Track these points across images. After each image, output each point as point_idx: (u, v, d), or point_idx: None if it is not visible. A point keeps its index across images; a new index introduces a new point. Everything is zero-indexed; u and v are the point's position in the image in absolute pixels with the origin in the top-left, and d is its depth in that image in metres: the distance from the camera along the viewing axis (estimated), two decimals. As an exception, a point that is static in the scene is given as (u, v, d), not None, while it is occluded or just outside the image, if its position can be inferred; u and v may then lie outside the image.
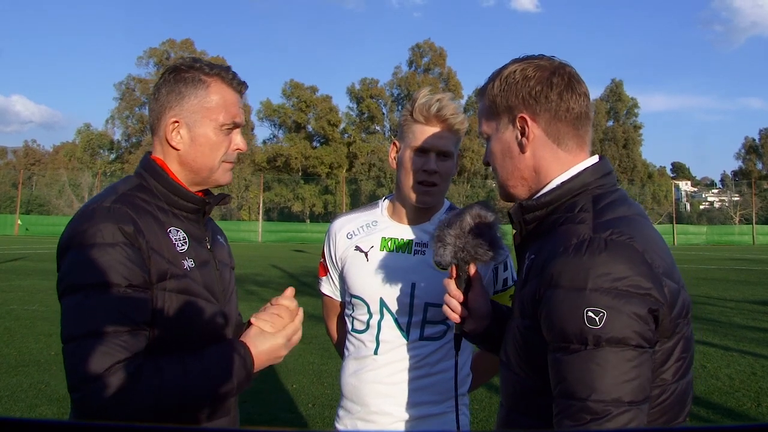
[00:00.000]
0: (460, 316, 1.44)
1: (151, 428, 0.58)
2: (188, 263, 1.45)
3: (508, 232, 1.44)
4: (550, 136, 1.28)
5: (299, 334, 1.51)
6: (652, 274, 1.09)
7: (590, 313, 1.06)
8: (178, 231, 1.48)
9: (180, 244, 1.46)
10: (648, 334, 1.07)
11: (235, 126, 1.53)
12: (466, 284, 1.43)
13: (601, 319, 1.05)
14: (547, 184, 1.29)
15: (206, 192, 1.60)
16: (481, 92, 1.38)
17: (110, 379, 1.25)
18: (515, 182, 1.34)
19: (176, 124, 1.48)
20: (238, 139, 1.55)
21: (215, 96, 1.49)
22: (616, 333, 1.05)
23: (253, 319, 1.50)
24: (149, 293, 1.36)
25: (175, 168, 1.51)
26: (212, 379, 1.37)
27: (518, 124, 1.30)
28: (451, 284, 1.43)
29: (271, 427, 4.32)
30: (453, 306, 1.44)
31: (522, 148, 1.30)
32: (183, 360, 1.36)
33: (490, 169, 1.40)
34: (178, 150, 1.50)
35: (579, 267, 1.09)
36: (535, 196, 1.30)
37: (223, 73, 1.52)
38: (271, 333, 1.47)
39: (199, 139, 1.49)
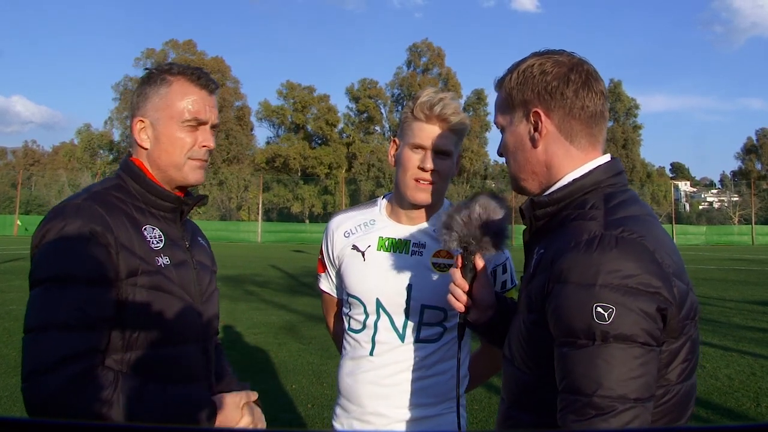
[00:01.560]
0: (464, 306, 1.44)
1: (151, 428, 0.58)
2: (163, 260, 1.46)
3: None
4: (563, 132, 1.28)
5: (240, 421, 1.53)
6: (661, 273, 1.09)
7: (599, 309, 1.06)
8: (153, 229, 1.49)
9: (155, 242, 1.47)
10: (656, 332, 1.07)
11: (199, 123, 1.54)
12: (472, 274, 1.43)
13: (609, 315, 1.05)
14: (559, 180, 1.29)
15: (186, 193, 1.61)
16: (498, 84, 1.38)
17: (58, 373, 1.25)
18: (526, 176, 1.34)
19: (142, 124, 1.52)
20: (203, 137, 1.55)
21: (177, 93, 1.51)
22: (624, 329, 1.05)
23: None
24: (112, 291, 1.36)
25: (149, 167, 1.54)
26: (166, 417, 1.35)
27: (532, 119, 1.30)
28: (457, 273, 1.43)
29: (270, 428, 4.31)
30: (458, 295, 1.44)
31: (534, 143, 1.30)
32: (144, 386, 1.35)
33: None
34: (146, 149, 1.53)
35: (589, 263, 1.09)
36: (547, 192, 1.30)
37: (189, 71, 1.54)
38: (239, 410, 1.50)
39: (162, 137, 1.51)
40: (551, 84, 1.27)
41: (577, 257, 1.11)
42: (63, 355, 1.26)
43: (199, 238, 1.69)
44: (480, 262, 1.42)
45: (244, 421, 1.50)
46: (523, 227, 1.35)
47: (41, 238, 1.37)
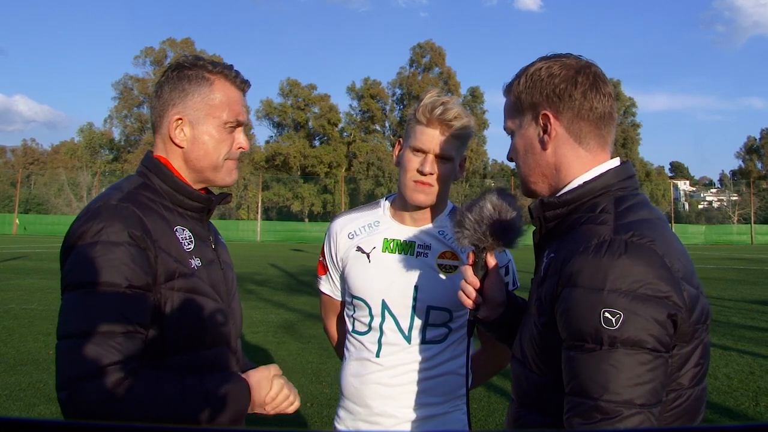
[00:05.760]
0: (474, 303, 1.44)
1: (151, 428, 0.58)
2: (195, 262, 1.44)
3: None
4: (572, 134, 1.29)
5: (279, 403, 1.57)
6: (671, 277, 1.09)
7: (607, 314, 1.06)
8: (183, 230, 1.46)
9: (186, 243, 1.45)
10: (665, 338, 1.07)
11: (238, 124, 1.52)
12: (483, 272, 1.44)
13: (617, 321, 1.05)
14: (568, 182, 1.29)
15: (208, 191, 1.59)
16: (507, 89, 1.38)
17: (100, 382, 1.22)
18: (536, 179, 1.34)
19: (180, 122, 1.47)
20: (240, 138, 1.54)
21: (219, 93, 1.48)
22: (632, 335, 1.05)
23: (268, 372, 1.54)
24: (150, 296, 1.34)
25: (178, 166, 1.50)
26: (208, 404, 1.34)
27: (541, 122, 1.30)
28: (468, 270, 1.44)
29: (270, 427, 4.31)
30: (468, 292, 1.44)
31: (544, 146, 1.31)
32: (182, 378, 1.33)
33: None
34: (182, 148, 1.49)
35: (598, 267, 1.09)
36: (557, 194, 1.30)
37: (227, 71, 1.51)
38: (270, 386, 1.51)
39: (202, 137, 1.48)
40: (559, 86, 1.27)
41: (587, 261, 1.11)
42: (106, 362, 1.23)
43: (219, 237, 1.67)
44: (491, 260, 1.43)
45: (275, 390, 1.52)
46: (533, 227, 1.35)
47: (76, 240, 1.32)
